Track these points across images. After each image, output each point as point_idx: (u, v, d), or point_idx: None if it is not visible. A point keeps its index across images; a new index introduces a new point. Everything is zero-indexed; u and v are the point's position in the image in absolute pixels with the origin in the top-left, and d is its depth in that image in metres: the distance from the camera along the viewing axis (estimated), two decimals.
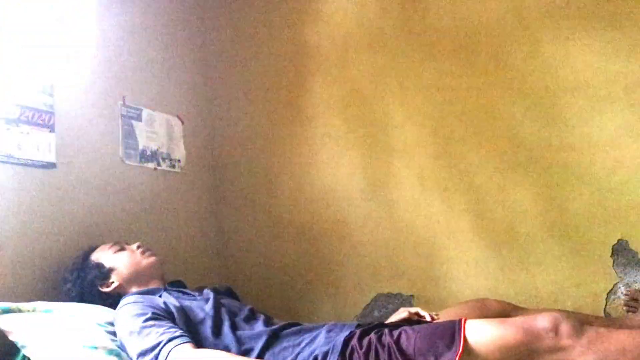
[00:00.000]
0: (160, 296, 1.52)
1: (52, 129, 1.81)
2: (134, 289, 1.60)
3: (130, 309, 1.41)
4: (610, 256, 1.71)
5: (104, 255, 1.65)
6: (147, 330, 1.31)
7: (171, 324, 1.35)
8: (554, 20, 1.84)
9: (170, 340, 1.27)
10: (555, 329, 1.13)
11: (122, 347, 1.35)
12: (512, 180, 1.88)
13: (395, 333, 1.24)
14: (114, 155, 2.04)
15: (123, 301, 1.49)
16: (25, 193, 1.71)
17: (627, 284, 1.69)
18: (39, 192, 1.75)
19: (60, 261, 1.78)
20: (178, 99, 2.36)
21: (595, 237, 1.75)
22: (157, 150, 2.22)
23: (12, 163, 1.68)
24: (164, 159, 2.25)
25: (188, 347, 1.26)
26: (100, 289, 1.60)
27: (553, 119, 1.83)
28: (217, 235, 2.44)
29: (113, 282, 1.61)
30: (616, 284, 1.69)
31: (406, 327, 1.27)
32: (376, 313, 2.02)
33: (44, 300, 1.51)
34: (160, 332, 1.30)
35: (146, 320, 1.34)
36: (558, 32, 1.83)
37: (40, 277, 1.71)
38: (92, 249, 1.69)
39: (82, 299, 1.57)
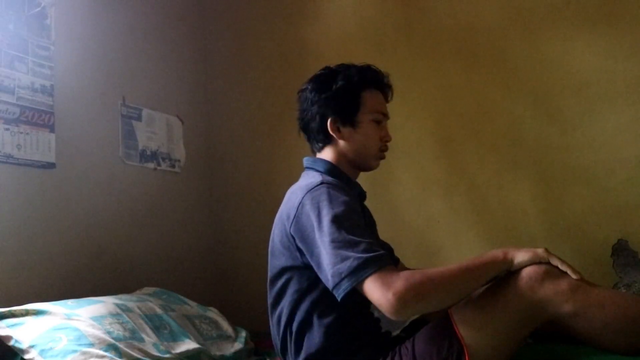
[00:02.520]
0: None
1: (52, 129, 1.81)
2: None
3: None
4: (610, 256, 1.71)
5: None
6: None
7: None
8: (554, 20, 1.83)
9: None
10: (538, 278, 1.13)
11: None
12: (512, 180, 1.88)
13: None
14: (114, 155, 2.04)
15: None
16: (25, 193, 1.71)
17: (627, 284, 1.69)
18: (39, 192, 1.75)
19: (60, 261, 1.78)
20: (178, 99, 2.36)
21: (595, 237, 1.74)
22: (157, 150, 2.22)
23: (12, 163, 1.68)
24: (163, 159, 2.25)
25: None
26: None
27: (553, 119, 1.83)
28: (216, 234, 2.44)
29: None
30: (616, 284, 1.69)
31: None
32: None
33: (45, 300, 1.50)
34: None
35: None
36: (558, 32, 1.83)
37: (39, 277, 1.72)
38: None
39: None
